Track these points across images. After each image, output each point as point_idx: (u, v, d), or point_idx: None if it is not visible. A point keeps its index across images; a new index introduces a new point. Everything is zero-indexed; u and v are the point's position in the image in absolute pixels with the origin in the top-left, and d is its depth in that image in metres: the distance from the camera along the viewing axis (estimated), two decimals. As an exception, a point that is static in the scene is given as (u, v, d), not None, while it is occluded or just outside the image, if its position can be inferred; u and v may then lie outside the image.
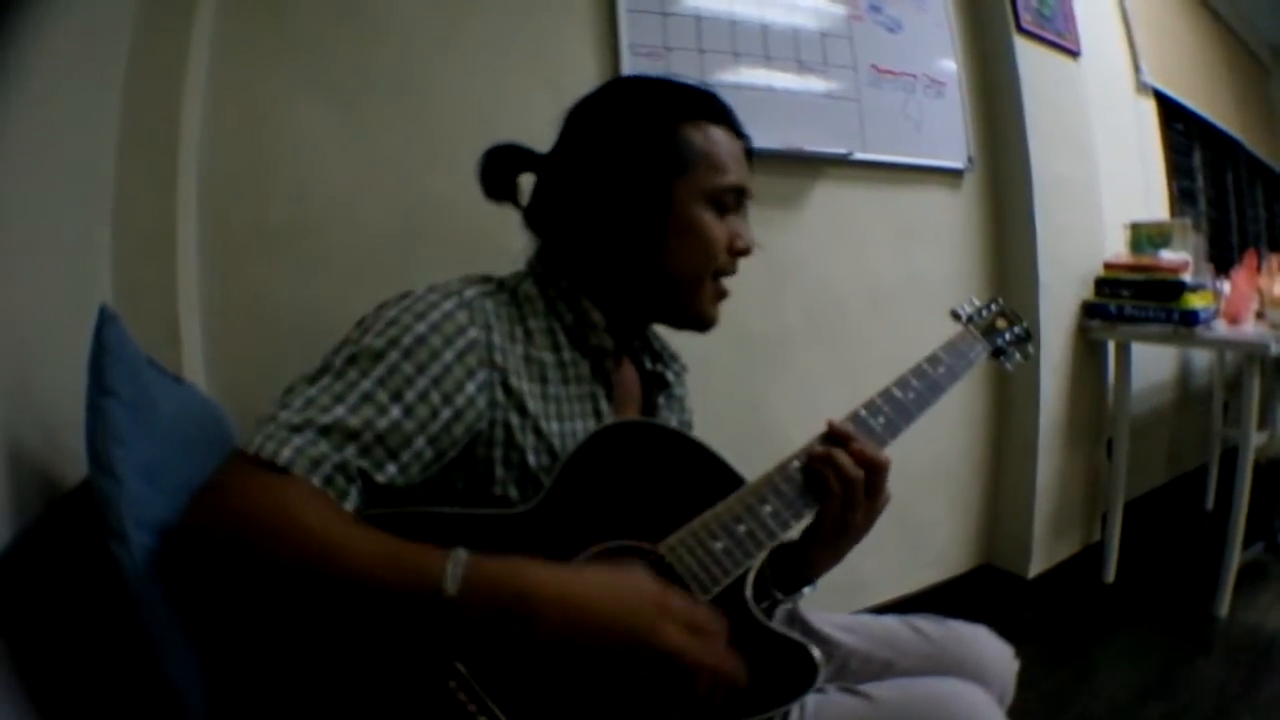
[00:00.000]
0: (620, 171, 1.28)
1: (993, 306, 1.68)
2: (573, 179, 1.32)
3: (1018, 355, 1.67)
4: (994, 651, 1.54)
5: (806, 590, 1.43)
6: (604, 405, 1.34)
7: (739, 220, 1.36)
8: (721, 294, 1.38)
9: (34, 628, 1.04)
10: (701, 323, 1.38)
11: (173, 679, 0.99)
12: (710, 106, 1.34)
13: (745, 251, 1.36)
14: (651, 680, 1.00)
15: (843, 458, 1.25)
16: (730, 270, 1.36)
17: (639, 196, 1.27)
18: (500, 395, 1.20)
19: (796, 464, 1.29)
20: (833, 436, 1.29)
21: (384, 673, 0.99)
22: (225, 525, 0.98)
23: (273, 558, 0.95)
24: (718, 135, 1.32)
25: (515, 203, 1.41)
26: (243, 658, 1.01)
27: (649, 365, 1.49)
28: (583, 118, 1.37)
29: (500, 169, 1.39)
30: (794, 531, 1.29)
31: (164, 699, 0.98)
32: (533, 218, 1.40)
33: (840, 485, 1.25)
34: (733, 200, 1.33)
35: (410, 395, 1.11)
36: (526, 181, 1.42)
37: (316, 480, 1.02)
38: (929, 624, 1.57)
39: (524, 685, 1.02)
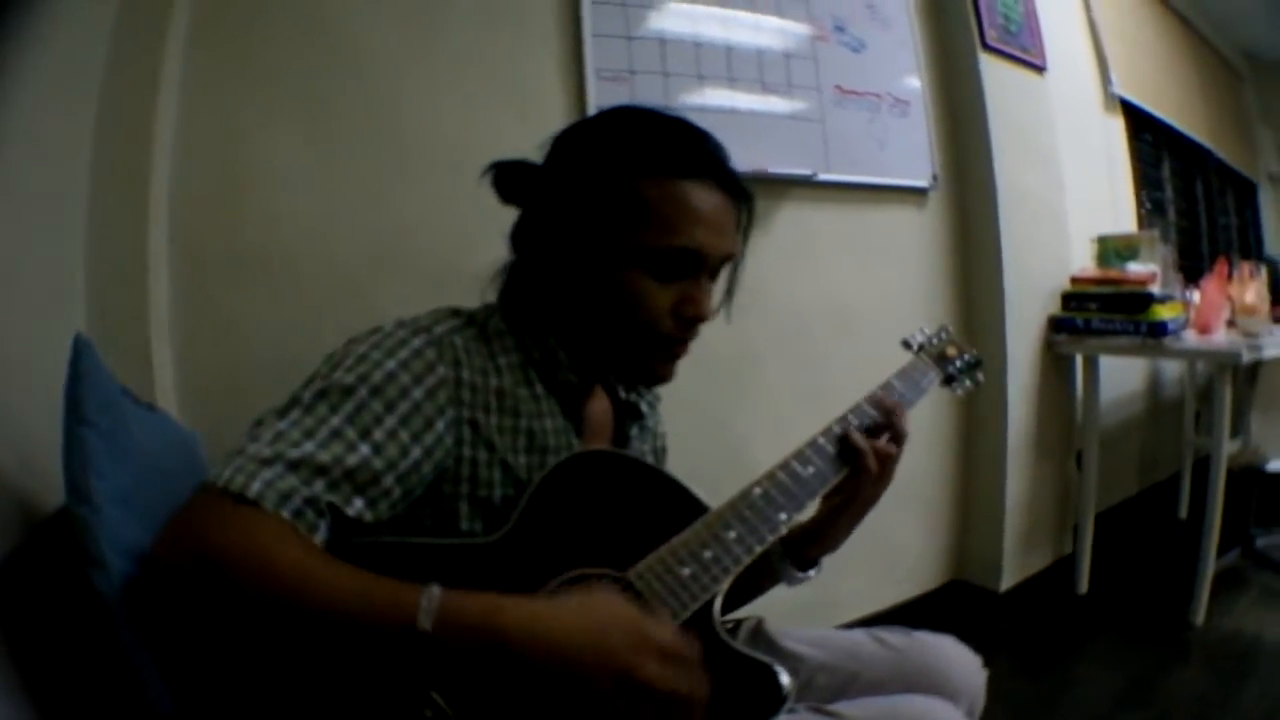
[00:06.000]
0: (572, 218, 1.25)
1: (943, 335, 1.71)
2: (539, 210, 1.31)
3: (968, 382, 1.71)
4: (961, 660, 1.53)
5: (812, 573, 1.50)
6: (574, 440, 1.34)
7: (693, 284, 1.27)
8: (670, 355, 1.32)
9: (13, 653, 1.05)
10: (646, 380, 1.39)
11: (151, 703, 1.00)
12: (691, 159, 1.24)
13: (694, 318, 1.27)
14: (628, 711, 1.00)
15: (882, 441, 1.41)
16: (680, 335, 1.30)
17: (579, 247, 1.25)
18: (467, 433, 1.20)
19: (829, 435, 1.40)
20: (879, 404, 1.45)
21: (359, 702, 0.99)
22: (196, 558, 0.96)
23: (245, 591, 0.95)
24: (685, 192, 1.22)
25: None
26: (221, 684, 1.00)
27: (623, 395, 1.48)
28: (560, 147, 1.32)
29: (510, 180, 1.34)
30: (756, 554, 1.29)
31: (146, 723, 0.99)
32: (512, 234, 1.37)
33: (874, 461, 1.38)
34: (682, 264, 1.24)
35: (379, 433, 1.10)
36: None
37: (286, 513, 1.01)
38: (894, 635, 1.56)
39: (501, 714, 1.02)
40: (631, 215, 1.22)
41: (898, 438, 1.42)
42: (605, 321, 1.28)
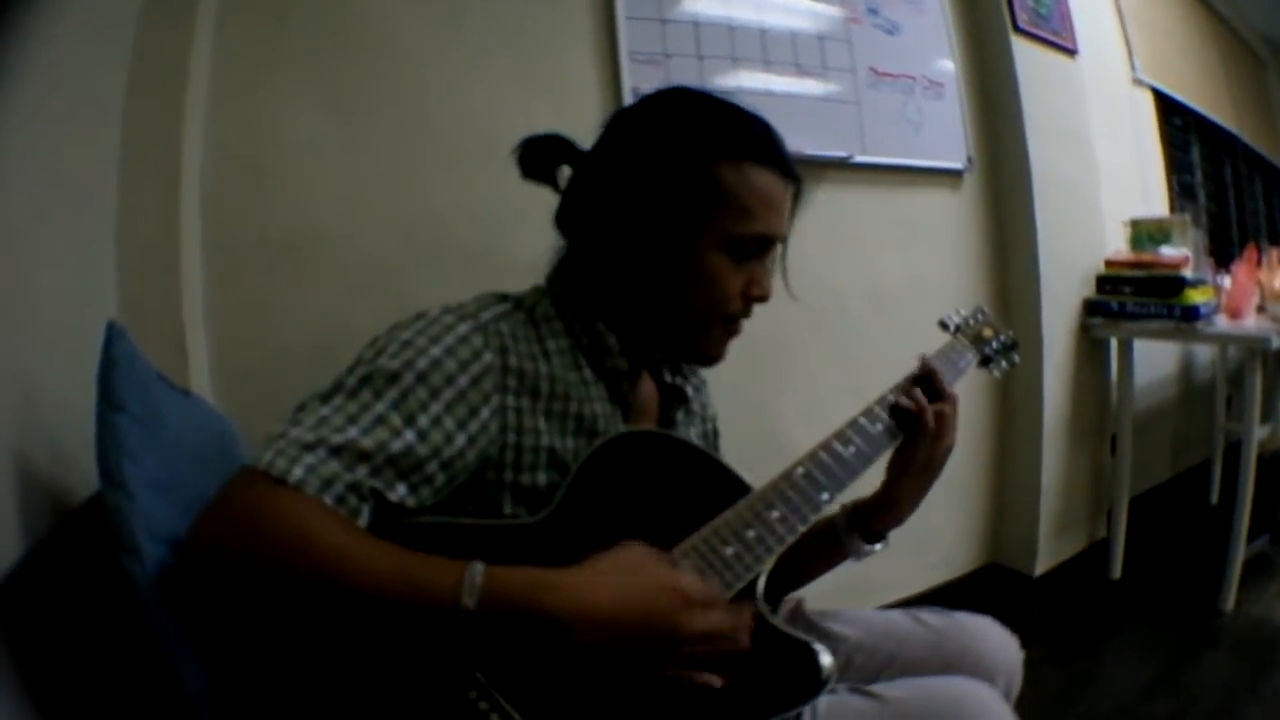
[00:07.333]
0: (644, 202, 1.24)
1: (979, 316, 1.70)
2: (600, 192, 1.29)
3: (1004, 363, 1.71)
4: (998, 640, 1.55)
5: (879, 547, 1.51)
6: (620, 424, 1.34)
7: (759, 266, 1.31)
8: (732, 334, 1.35)
9: (46, 642, 1.05)
10: (705, 361, 1.39)
11: (186, 690, 0.99)
12: (758, 144, 1.27)
13: (759, 299, 1.31)
14: (680, 660, 1.04)
15: (930, 394, 1.43)
16: (742, 315, 1.33)
17: (656, 232, 1.25)
18: (512, 419, 1.20)
19: (879, 409, 1.42)
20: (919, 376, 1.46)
21: (402, 683, 1.00)
22: (236, 540, 0.97)
23: (286, 572, 0.95)
24: (757, 178, 1.25)
25: (555, 187, 1.38)
26: (257, 669, 1.00)
27: (668, 379, 1.48)
28: (624, 129, 1.33)
29: (540, 156, 1.35)
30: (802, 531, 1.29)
31: (178, 711, 0.99)
32: (560, 217, 1.36)
33: (932, 416, 1.39)
34: (755, 248, 1.28)
35: (424, 420, 1.10)
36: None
37: (329, 499, 1.01)
38: (932, 615, 1.58)
39: (544, 691, 1.03)
40: (711, 200, 1.24)
41: (943, 397, 1.43)
42: (675, 302, 1.29)
